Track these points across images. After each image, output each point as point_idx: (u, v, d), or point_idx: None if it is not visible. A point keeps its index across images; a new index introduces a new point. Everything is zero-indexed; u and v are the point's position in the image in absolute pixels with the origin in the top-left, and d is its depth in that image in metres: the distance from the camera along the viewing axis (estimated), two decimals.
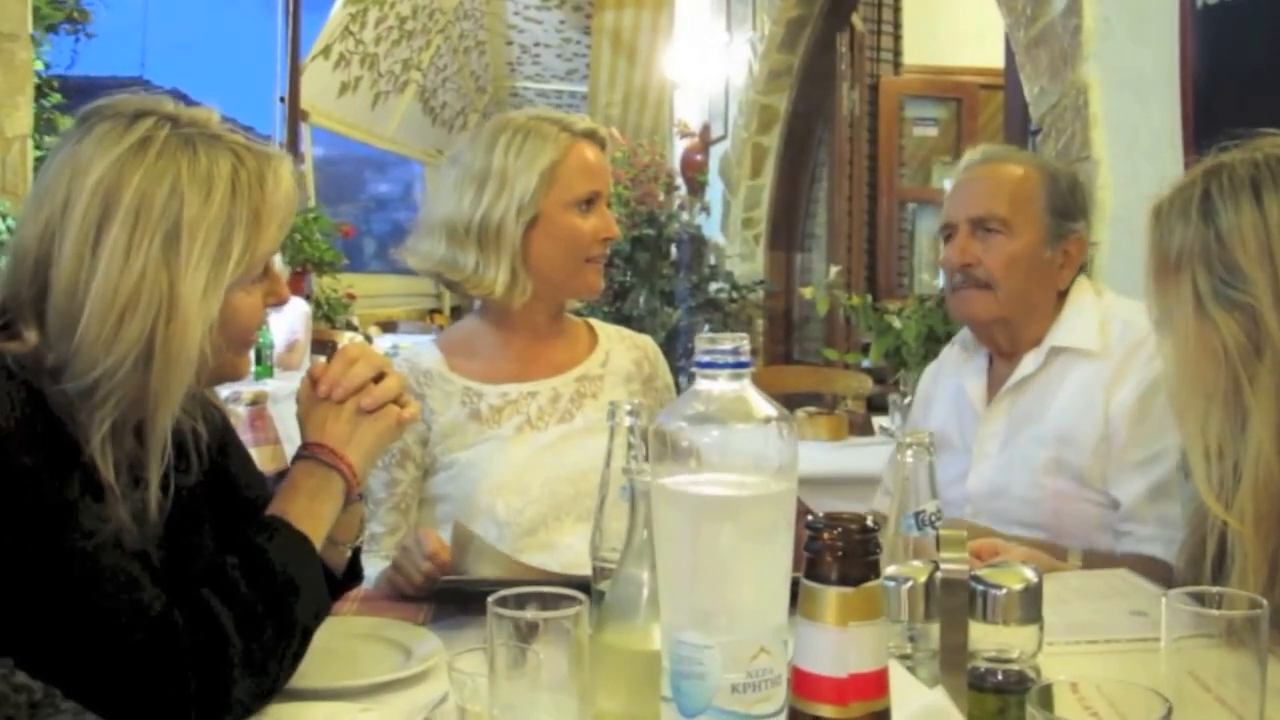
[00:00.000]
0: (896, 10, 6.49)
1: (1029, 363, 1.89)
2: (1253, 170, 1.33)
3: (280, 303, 1.26)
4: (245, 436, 4.10)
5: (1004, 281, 1.88)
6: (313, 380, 1.30)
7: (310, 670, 1.17)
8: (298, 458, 1.26)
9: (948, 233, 1.95)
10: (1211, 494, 1.30)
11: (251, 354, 1.31)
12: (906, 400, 3.14)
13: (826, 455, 3.23)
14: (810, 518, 0.66)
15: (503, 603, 0.95)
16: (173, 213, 1.11)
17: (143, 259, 1.09)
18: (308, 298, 6.44)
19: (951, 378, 2.06)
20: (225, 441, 1.38)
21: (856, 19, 6.15)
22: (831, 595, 0.64)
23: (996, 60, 4.50)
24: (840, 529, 0.64)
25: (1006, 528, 1.81)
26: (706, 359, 0.84)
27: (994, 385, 1.97)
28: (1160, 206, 1.40)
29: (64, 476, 1.06)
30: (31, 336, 1.10)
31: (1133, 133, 2.75)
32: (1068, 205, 1.91)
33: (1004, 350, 1.96)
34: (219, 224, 1.14)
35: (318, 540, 1.21)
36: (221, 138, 1.18)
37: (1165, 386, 1.43)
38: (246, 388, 4.33)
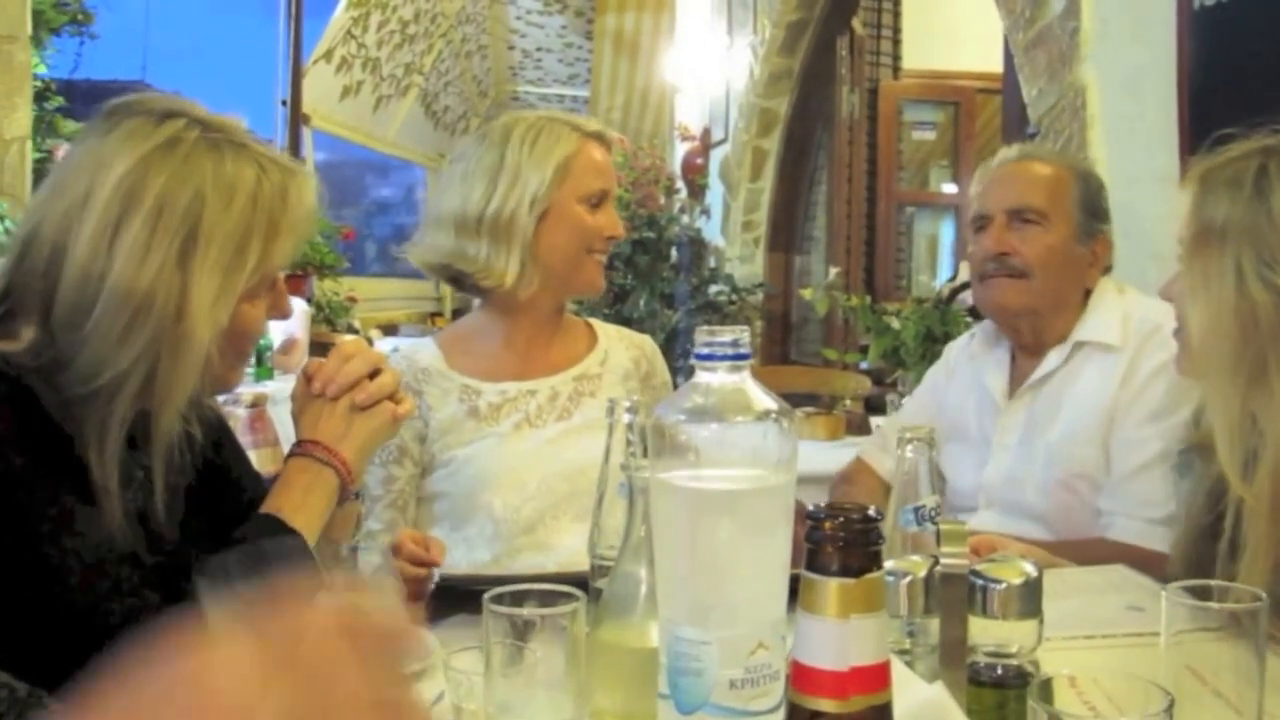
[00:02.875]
0: (896, 14, 6.51)
1: (1053, 358, 1.91)
2: None
3: (282, 316, 1.25)
4: (245, 439, 4.08)
5: (1039, 271, 1.90)
6: (307, 377, 1.29)
7: None
8: (291, 454, 1.26)
9: (980, 224, 1.98)
10: (1234, 466, 1.29)
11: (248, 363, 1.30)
12: (904, 400, 3.13)
13: (824, 454, 3.21)
14: (811, 507, 0.66)
15: (498, 600, 0.94)
16: (194, 216, 1.11)
17: (160, 258, 1.09)
18: (309, 300, 6.43)
19: (969, 366, 2.08)
20: (220, 442, 1.37)
21: (856, 23, 6.15)
22: (833, 586, 0.63)
23: (994, 65, 4.51)
24: (842, 518, 0.63)
25: (1017, 520, 1.84)
26: (706, 351, 0.83)
27: (1016, 380, 1.99)
28: (1209, 173, 1.38)
29: (55, 477, 1.05)
30: (28, 333, 1.09)
31: (1130, 133, 2.75)
32: (1096, 206, 1.94)
33: (1027, 343, 1.98)
34: (237, 232, 1.13)
35: (311, 537, 1.21)
36: (248, 147, 1.18)
37: (1190, 354, 1.41)
38: (246, 389, 4.31)
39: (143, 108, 1.15)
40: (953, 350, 2.21)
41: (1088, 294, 1.94)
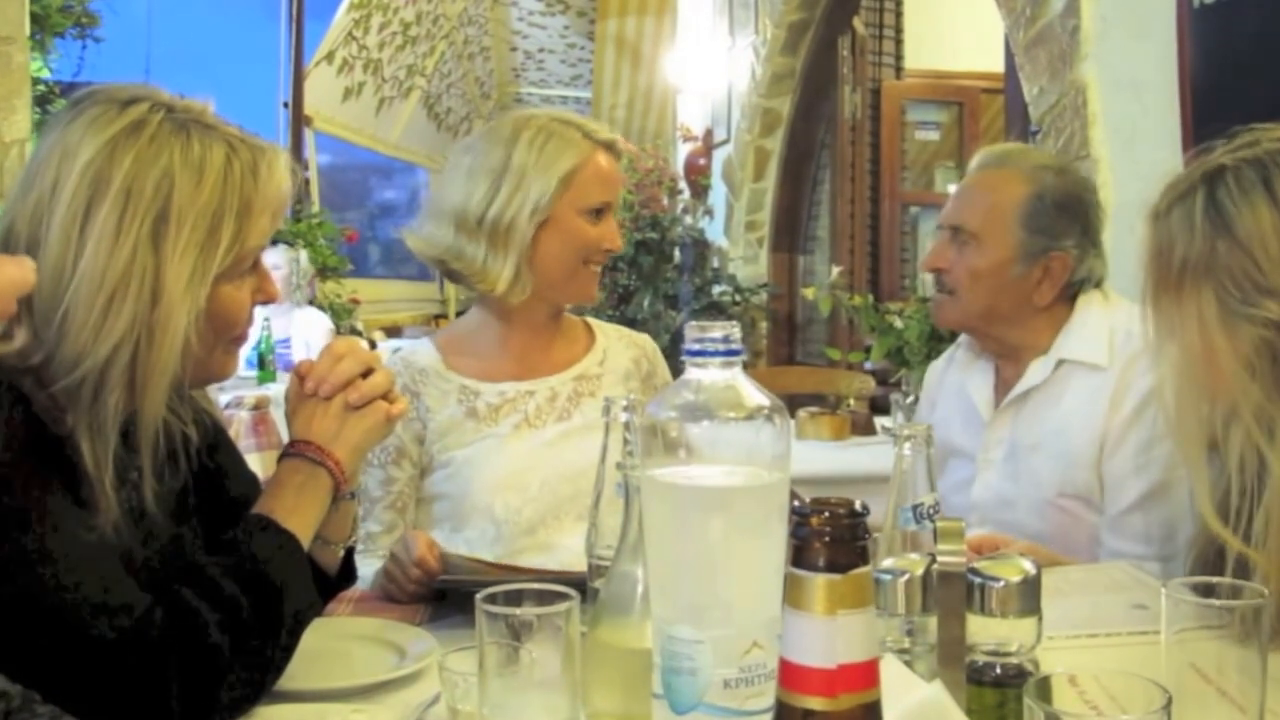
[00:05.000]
0: (898, 14, 6.49)
1: (1035, 373, 1.86)
2: (1260, 170, 1.25)
3: (269, 300, 1.24)
4: (248, 441, 4.08)
5: (965, 292, 1.89)
6: (300, 377, 1.28)
7: (302, 671, 1.16)
8: (284, 455, 1.25)
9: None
10: (1216, 520, 1.23)
11: (241, 354, 1.29)
12: (909, 400, 3.12)
13: (829, 455, 3.22)
14: (796, 503, 0.65)
15: (492, 600, 0.93)
16: (163, 197, 1.10)
17: (131, 242, 1.08)
18: (311, 303, 6.42)
19: (957, 377, 2.04)
20: (216, 445, 1.36)
21: (858, 23, 6.14)
22: (819, 583, 0.62)
23: (997, 64, 4.50)
24: (828, 514, 0.62)
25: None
26: (696, 347, 0.83)
27: (1000, 390, 1.95)
28: (1156, 215, 1.32)
29: (45, 479, 1.04)
30: (21, 334, 1.08)
31: (1131, 131, 2.74)
32: (1051, 224, 1.85)
33: (996, 353, 1.96)
34: (209, 211, 1.12)
35: (305, 538, 1.20)
36: (216, 127, 1.17)
37: (1165, 404, 1.34)
38: (249, 392, 4.31)
39: (105, 95, 1.14)
40: (932, 375, 2.17)
41: (1073, 303, 1.89)
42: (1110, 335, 1.82)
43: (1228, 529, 1.22)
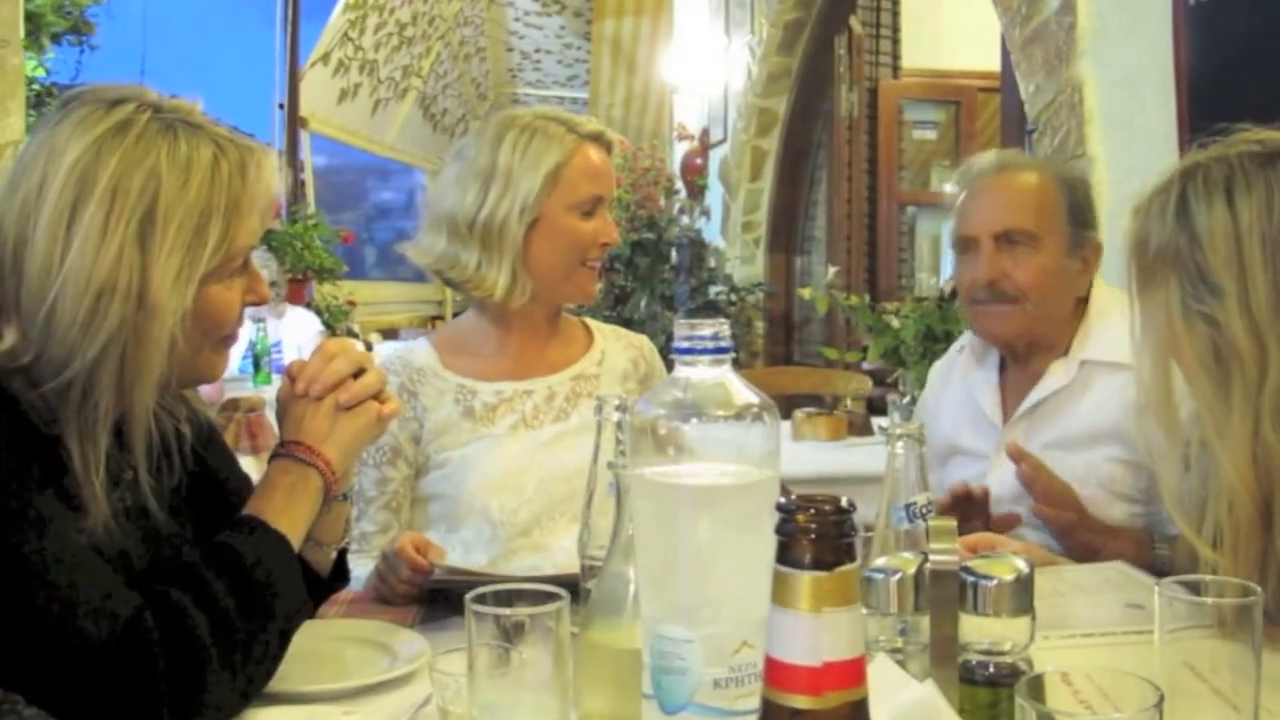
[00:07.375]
0: (894, 13, 6.49)
1: (1058, 376, 1.85)
2: (1226, 170, 1.28)
3: (260, 301, 1.24)
4: (243, 444, 4.07)
5: (1033, 294, 1.83)
6: (291, 377, 1.28)
7: (293, 673, 1.16)
8: (274, 456, 1.25)
9: (965, 246, 1.89)
10: (1181, 515, 1.25)
11: (232, 355, 1.29)
12: (905, 400, 3.12)
13: (825, 455, 3.22)
14: (781, 500, 0.64)
15: (482, 600, 0.93)
16: (150, 196, 1.10)
17: (118, 241, 1.08)
18: (308, 305, 6.41)
19: (960, 384, 2.03)
20: (209, 445, 1.36)
21: (854, 22, 6.14)
22: (805, 580, 0.61)
23: (993, 63, 4.50)
24: (814, 510, 0.62)
25: (1030, 531, 1.77)
26: (686, 344, 0.82)
27: (1010, 392, 1.93)
28: (1139, 208, 1.35)
29: (35, 481, 1.04)
30: (10, 334, 1.08)
31: (1127, 129, 2.74)
32: (1084, 213, 1.87)
33: (1020, 358, 1.92)
34: (196, 210, 1.12)
35: (295, 539, 1.19)
36: (204, 127, 1.17)
37: (1147, 397, 1.36)
38: (244, 395, 4.30)
39: (93, 96, 1.15)
40: (935, 377, 2.15)
41: (1082, 300, 1.88)
42: (1131, 331, 1.81)
43: (1192, 527, 1.24)
